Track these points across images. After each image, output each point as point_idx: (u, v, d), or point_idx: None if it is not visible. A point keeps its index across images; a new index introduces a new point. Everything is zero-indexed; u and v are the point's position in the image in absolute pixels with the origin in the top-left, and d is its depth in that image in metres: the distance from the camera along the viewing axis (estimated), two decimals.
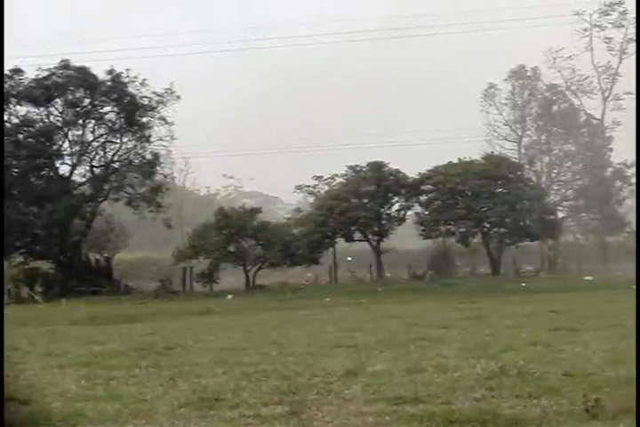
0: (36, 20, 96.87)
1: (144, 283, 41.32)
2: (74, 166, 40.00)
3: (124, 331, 16.15)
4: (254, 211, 40.87)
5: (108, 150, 40.52)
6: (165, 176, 44.41)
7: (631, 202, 51.96)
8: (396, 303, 23.75)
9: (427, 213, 41.09)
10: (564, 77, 54.52)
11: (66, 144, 39.91)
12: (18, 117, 39.06)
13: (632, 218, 46.84)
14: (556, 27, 67.86)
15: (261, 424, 6.50)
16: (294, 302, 27.41)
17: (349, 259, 45.04)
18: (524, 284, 33.37)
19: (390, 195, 41.75)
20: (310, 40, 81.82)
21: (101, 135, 40.38)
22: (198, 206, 67.72)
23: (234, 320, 18.83)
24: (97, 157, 40.40)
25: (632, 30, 50.53)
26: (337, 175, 43.18)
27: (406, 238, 47.87)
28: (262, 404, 7.18)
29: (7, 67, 36.31)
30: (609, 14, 51.93)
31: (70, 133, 39.77)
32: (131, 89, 39.70)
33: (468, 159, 42.13)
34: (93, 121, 40.04)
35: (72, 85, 38.83)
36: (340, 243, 43.08)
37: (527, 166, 51.63)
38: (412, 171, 42.14)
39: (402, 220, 42.64)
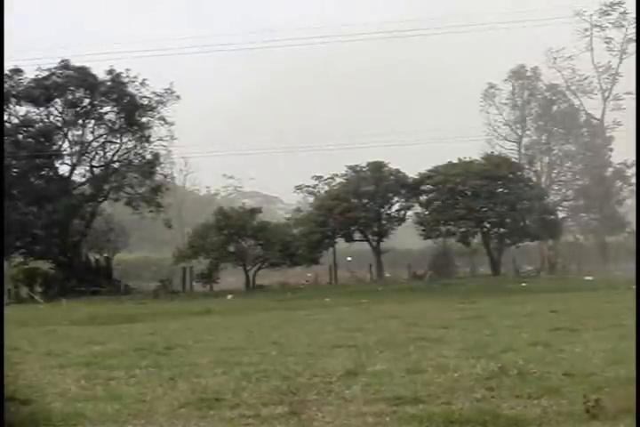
0: (35, 20, 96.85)
1: (144, 283, 41.32)
2: (74, 166, 40.03)
3: (124, 331, 16.15)
4: (254, 211, 40.87)
5: (107, 150, 40.57)
6: (165, 176, 44.44)
7: (631, 202, 51.99)
8: (395, 303, 23.75)
9: (427, 213, 41.08)
10: (564, 77, 54.60)
11: (66, 144, 40.00)
12: (18, 117, 39.10)
13: (632, 218, 46.85)
14: (556, 27, 67.84)
15: (261, 424, 6.50)
16: (294, 302, 27.41)
17: (349, 259, 45.04)
18: (524, 284, 33.36)
19: (390, 195, 41.75)
20: (310, 41, 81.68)
21: (101, 135, 40.40)
22: (198, 206, 67.71)
23: (234, 320, 18.83)
24: (97, 157, 40.45)
25: (632, 30, 50.59)
26: (337, 175, 43.22)
27: (406, 238, 47.87)
28: (262, 404, 7.18)
29: (7, 67, 36.36)
30: (609, 14, 51.97)
31: (70, 133, 39.82)
32: (130, 89, 39.74)
33: (468, 159, 42.15)
34: (93, 121, 40.06)
35: (72, 85, 38.85)
36: (340, 243, 43.08)
37: (527, 166, 51.61)
38: (412, 171, 42.20)
39: (402, 220, 42.64)
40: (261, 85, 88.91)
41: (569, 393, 7.14)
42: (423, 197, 41.74)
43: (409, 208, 42.57)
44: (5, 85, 37.49)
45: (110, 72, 39.47)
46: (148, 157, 40.51)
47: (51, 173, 39.67)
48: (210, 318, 20.09)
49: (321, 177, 43.85)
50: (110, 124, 40.24)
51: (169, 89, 40.08)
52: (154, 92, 39.86)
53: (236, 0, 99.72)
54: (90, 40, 75.72)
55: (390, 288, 33.83)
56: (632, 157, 46.86)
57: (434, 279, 38.49)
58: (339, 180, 43.05)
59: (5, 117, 38.08)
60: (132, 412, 7.01)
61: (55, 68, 38.85)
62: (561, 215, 50.80)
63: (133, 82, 39.65)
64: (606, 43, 52.76)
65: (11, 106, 38.62)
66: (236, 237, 38.92)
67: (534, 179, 50.25)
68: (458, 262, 45.89)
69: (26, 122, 39.00)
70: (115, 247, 45.21)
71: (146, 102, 39.95)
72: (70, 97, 39.24)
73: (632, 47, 50.90)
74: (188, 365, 9.83)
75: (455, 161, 41.91)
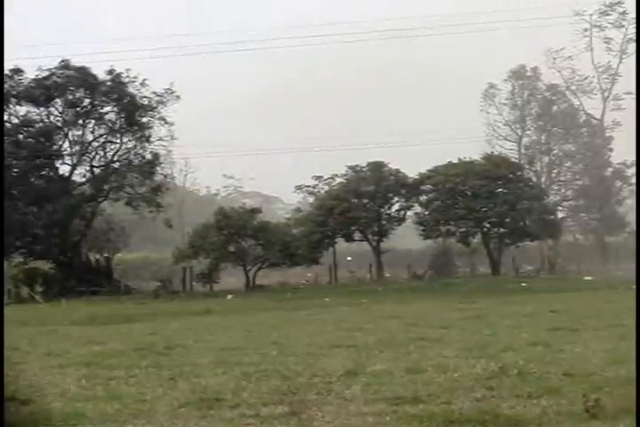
0: (35, 20, 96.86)
1: (144, 283, 41.32)
2: (74, 166, 40.03)
3: (124, 331, 16.15)
4: (254, 211, 40.88)
5: (108, 150, 40.55)
6: (165, 176, 44.43)
7: (631, 202, 52.01)
8: (395, 303, 23.76)
9: (427, 213, 41.09)
10: (563, 77, 54.63)
11: (66, 144, 39.98)
12: (18, 117, 39.08)
13: (632, 218, 46.86)
14: (555, 27, 67.79)
15: (261, 424, 6.50)
16: (294, 302, 27.41)
17: (349, 259, 45.06)
18: (524, 284, 33.37)
19: (390, 195, 41.76)
20: (310, 40, 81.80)
21: (101, 135, 40.39)
22: (198, 206, 67.67)
23: (234, 320, 18.83)
24: (97, 157, 40.43)
25: (632, 30, 50.63)
26: (337, 175, 43.22)
27: (406, 238, 47.89)
28: (262, 404, 7.18)
29: (7, 67, 36.36)
30: (609, 14, 52.01)
31: (70, 133, 39.80)
32: (131, 89, 39.73)
33: (468, 159, 42.17)
34: (93, 121, 40.05)
35: (72, 85, 38.84)
36: (340, 243, 43.09)
37: (527, 166, 51.64)
38: (412, 171, 42.21)
39: (402, 220, 42.65)
40: (261, 85, 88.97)
41: (569, 393, 7.14)
42: (423, 197, 41.75)
43: (409, 208, 42.59)
44: (5, 85, 37.48)
45: (110, 72, 39.47)
46: (148, 157, 40.52)
47: (51, 173, 39.66)
48: (210, 318, 20.09)
49: (321, 177, 43.89)
50: (110, 125, 40.24)
51: (169, 89, 40.12)
52: (154, 92, 39.88)
53: (238, 2, 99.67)
54: (90, 40, 75.64)
55: (390, 288, 33.83)
56: (632, 157, 46.92)
57: (434, 279, 38.50)
58: (339, 180, 43.10)
59: (5, 117, 38.08)
60: (132, 412, 7.01)
61: (55, 68, 38.84)
62: (561, 215, 50.88)
63: (133, 82, 39.67)
64: (606, 43, 52.86)
65: (11, 106, 38.62)
66: (237, 237, 38.92)
67: (534, 179, 50.27)
68: (458, 262, 45.90)
69: (26, 122, 38.99)
70: (115, 247, 45.19)
71: (146, 102, 39.96)
72: (70, 97, 39.23)
73: (632, 47, 50.98)
74: (188, 365, 9.83)
75: (455, 161, 41.94)
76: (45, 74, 38.79)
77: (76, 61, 39.23)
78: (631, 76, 46.04)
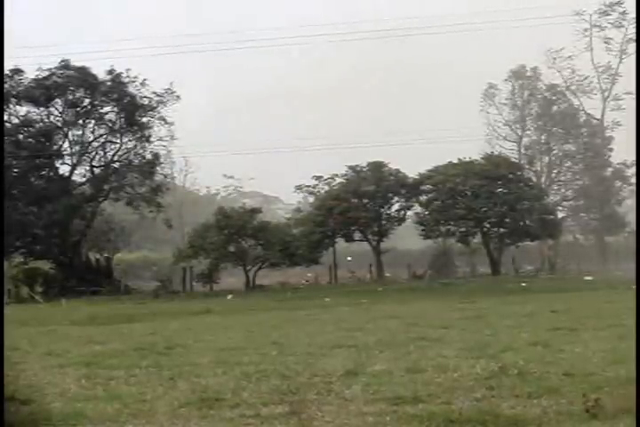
0: (36, 20, 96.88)
1: (144, 283, 41.34)
2: (74, 166, 40.05)
3: (124, 331, 16.15)
4: (254, 211, 40.88)
5: (108, 150, 40.58)
6: (165, 176, 44.48)
7: (631, 202, 52.03)
8: (395, 303, 23.75)
9: (427, 213, 41.08)
10: (563, 77, 54.65)
11: (66, 144, 40.02)
12: (18, 117, 39.11)
13: (632, 218, 46.86)
14: (556, 27, 67.80)
15: (261, 424, 6.50)
16: (294, 302, 27.40)
17: (349, 259, 45.05)
18: (523, 284, 33.36)
19: (390, 195, 41.76)
20: (310, 40, 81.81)
21: (101, 135, 40.42)
22: (198, 206, 67.62)
23: (234, 320, 18.83)
24: (97, 157, 40.47)
25: (632, 30, 50.64)
26: (337, 175, 43.20)
27: (406, 238, 47.88)
28: (262, 404, 7.18)
29: (7, 67, 36.36)
30: (609, 14, 52.01)
31: (70, 133, 39.83)
32: (131, 89, 39.76)
33: (468, 159, 42.17)
34: (93, 121, 40.08)
35: (72, 85, 38.86)
36: (340, 243, 43.08)
37: (527, 166, 51.66)
38: (412, 171, 42.20)
39: (402, 220, 42.65)
40: (261, 85, 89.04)
41: (569, 393, 7.14)
42: (423, 197, 41.74)
43: (409, 208, 42.59)
44: (5, 85, 37.49)
45: (110, 72, 39.51)
46: (148, 157, 40.54)
47: (51, 173, 39.68)
48: (210, 318, 20.09)
49: (321, 177, 43.86)
50: (110, 124, 40.26)
51: (169, 89, 40.15)
52: (154, 92, 39.90)
53: (238, 2, 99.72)
54: (90, 40, 75.63)
55: (390, 288, 33.84)
56: (632, 157, 46.93)
57: (434, 279, 38.50)
58: (339, 180, 43.08)
59: (5, 117, 38.10)
60: (133, 412, 7.01)
61: (55, 68, 38.87)
62: (561, 215, 50.84)
63: (133, 82, 39.69)
64: (606, 43, 52.87)
65: (11, 106, 38.64)
66: (237, 237, 38.92)
67: (534, 179, 50.28)
68: (458, 262, 45.90)
69: (26, 122, 39.02)
70: (115, 247, 45.22)
71: (146, 102, 39.98)
72: (70, 97, 39.25)
73: (632, 47, 50.99)
74: (188, 364, 9.83)
75: (455, 161, 41.94)
76: (45, 74, 38.82)
77: (77, 61, 39.34)
78: (631, 76, 46.07)
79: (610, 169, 54.65)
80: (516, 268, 43.24)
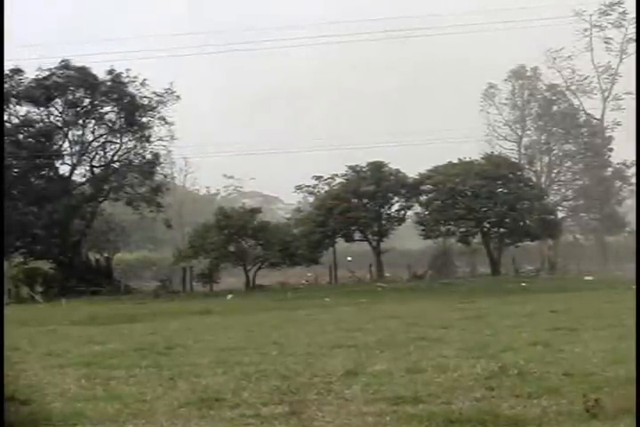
0: (36, 20, 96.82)
1: (144, 283, 41.36)
2: (74, 166, 40.05)
3: (124, 331, 16.15)
4: (254, 211, 40.87)
5: (108, 150, 40.57)
6: (165, 176, 44.48)
7: (631, 202, 51.99)
8: (395, 303, 23.76)
9: (427, 213, 41.06)
10: (563, 77, 54.60)
11: (66, 144, 40.01)
12: (18, 117, 39.10)
13: (632, 218, 46.84)
14: (556, 27, 67.77)
15: (261, 424, 6.50)
16: (294, 301, 27.40)
17: (349, 259, 45.01)
18: (523, 284, 33.36)
19: (390, 195, 41.73)
20: (310, 41, 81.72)
21: (101, 135, 40.41)
22: (198, 206, 67.61)
23: (234, 320, 18.83)
24: (97, 157, 40.47)
25: (632, 30, 50.59)
26: (337, 175, 43.16)
27: (406, 238, 47.85)
28: (262, 404, 7.18)
29: (7, 67, 36.34)
30: (609, 14, 51.97)
31: (70, 133, 39.83)
32: (131, 89, 39.75)
33: (468, 159, 42.15)
34: (93, 121, 40.08)
35: (72, 85, 38.85)
36: (340, 243, 43.06)
37: (527, 166, 51.63)
38: (412, 171, 42.19)
39: (402, 220, 42.61)
40: (261, 85, 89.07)
41: (569, 393, 7.15)
42: (423, 197, 41.71)
43: (409, 208, 42.55)
44: (5, 85, 37.48)
45: (110, 72, 39.50)
46: (148, 157, 40.53)
47: (51, 173, 39.68)
48: (210, 318, 20.09)
49: (321, 177, 43.80)
50: (110, 124, 40.26)
51: (169, 89, 40.15)
52: (154, 92, 39.89)
53: (238, 2, 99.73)
54: (90, 39, 75.61)
55: (390, 288, 33.83)
56: (632, 157, 46.91)
57: (434, 279, 38.49)
58: (339, 180, 43.03)
59: (5, 117, 38.10)
60: (133, 412, 7.01)
61: (55, 68, 38.86)
62: (561, 215, 50.80)
63: (133, 82, 39.69)
64: (606, 43, 52.81)
65: (11, 106, 38.63)
66: (237, 237, 38.91)
67: (534, 179, 50.23)
68: (458, 262, 45.88)
69: (26, 122, 39.01)
70: (115, 247, 45.23)
71: (146, 102, 39.98)
72: (70, 97, 39.25)
73: (632, 47, 50.94)
74: (188, 365, 9.83)
75: (455, 161, 41.92)
76: (45, 74, 38.81)
77: (76, 60, 39.33)
78: (631, 76, 46.02)
79: (610, 169, 54.62)
80: (515, 268, 43.21)
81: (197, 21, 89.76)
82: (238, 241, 39.19)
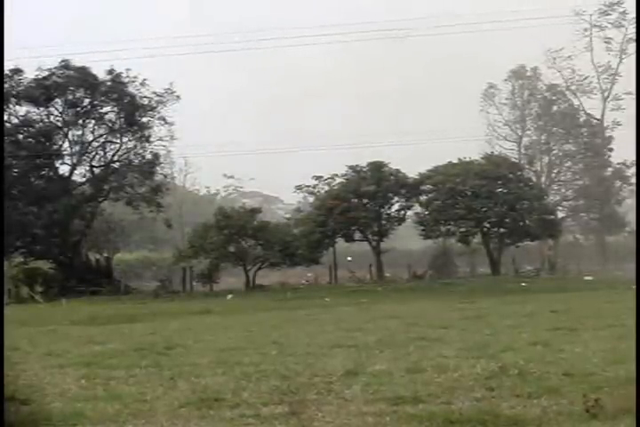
0: (35, 20, 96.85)
1: (144, 283, 41.35)
2: (74, 166, 40.04)
3: (124, 331, 16.15)
4: (254, 211, 40.87)
5: (108, 150, 40.56)
6: (165, 176, 44.47)
7: (631, 202, 51.97)
8: (395, 303, 23.76)
9: (427, 213, 41.04)
10: (563, 77, 54.62)
11: (66, 144, 40.00)
12: (18, 117, 39.09)
13: (632, 218, 46.84)
14: (556, 27, 67.78)
15: (261, 424, 6.51)
16: (294, 301, 27.41)
17: (349, 259, 44.99)
18: (523, 284, 33.36)
19: (390, 195, 41.70)
20: (309, 40, 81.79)
21: (101, 135, 40.40)
22: (198, 206, 67.62)
23: (234, 320, 18.83)
24: (97, 157, 40.46)
25: (632, 30, 50.61)
26: (337, 175, 43.13)
27: (406, 238, 47.85)
28: (262, 404, 7.18)
29: (7, 67, 36.35)
30: (609, 14, 51.99)
31: (70, 133, 39.82)
32: (131, 89, 39.74)
33: (468, 159, 42.14)
34: (93, 121, 40.07)
35: (72, 85, 38.84)
36: (340, 243, 43.05)
37: (527, 166, 51.63)
38: (412, 171, 42.18)
39: (402, 220, 42.58)
40: (261, 85, 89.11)
41: (569, 393, 7.15)
42: (423, 197, 41.69)
43: (409, 208, 42.52)
44: (5, 85, 37.48)
45: (110, 72, 39.49)
46: (148, 157, 40.52)
47: (51, 173, 39.67)
48: (210, 318, 20.09)
49: (321, 177, 43.78)
50: (110, 124, 40.25)
51: (169, 89, 40.14)
52: (154, 92, 39.89)
53: (233, 0, 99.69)
54: (90, 39, 75.64)
55: (390, 288, 33.83)
56: (632, 157, 46.90)
57: (434, 279, 38.48)
58: (339, 180, 42.99)
59: (5, 117, 38.09)
60: (132, 412, 7.02)
61: (55, 68, 38.85)
62: (561, 215, 50.79)
63: (133, 82, 39.68)
64: (606, 43, 52.84)
65: (11, 106, 38.62)
66: (237, 237, 38.90)
67: (534, 179, 50.24)
68: (458, 262, 45.85)
69: (26, 122, 39.01)
70: (115, 247, 45.21)
71: (146, 102, 39.97)
72: (70, 97, 39.24)
73: (632, 47, 50.96)
74: (188, 365, 9.83)
75: (455, 161, 41.90)
76: (45, 74, 38.79)
77: (77, 60, 39.34)
78: (631, 76, 46.04)
79: (610, 169, 54.62)
80: (516, 268, 43.19)
81: (198, 21, 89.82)
82: (238, 241, 39.18)
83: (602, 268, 45.31)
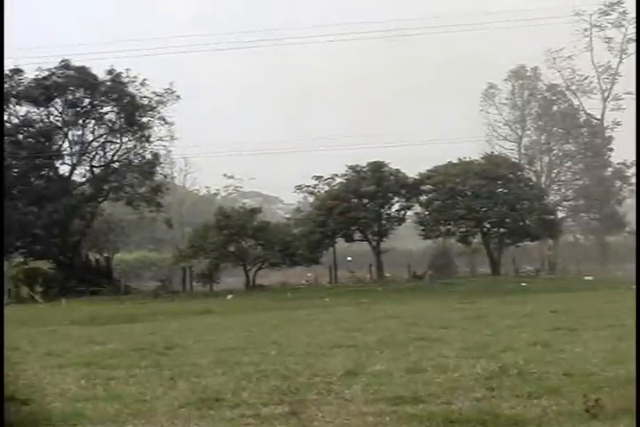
0: (35, 20, 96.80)
1: (144, 283, 41.36)
2: (74, 166, 40.07)
3: (124, 331, 16.16)
4: (254, 211, 40.88)
5: (108, 150, 40.60)
6: (165, 176, 44.51)
7: (631, 202, 51.96)
8: (395, 303, 23.76)
9: (427, 213, 41.03)
10: (563, 77, 54.58)
11: (66, 144, 40.06)
12: (18, 117, 39.12)
13: (632, 218, 46.82)
14: (556, 27, 67.75)
15: (261, 424, 6.50)
16: (294, 301, 27.42)
17: (349, 259, 45.00)
18: (523, 284, 33.37)
19: (390, 195, 41.70)
20: (309, 40, 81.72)
21: (101, 135, 40.43)
22: (198, 206, 67.58)
23: (234, 320, 18.83)
24: (97, 157, 40.50)
25: (632, 30, 50.56)
26: (337, 175, 43.13)
27: (406, 238, 47.86)
28: (262, 404, 7.17)
29: (7, 67, 36.36)
30: (609, 14, 51.94)
31: (70, 133, 39.87)
32: (131, 89, 39.77)
33: (468, 159, 42.13)
34: (93, 121, 40.10)
35: (72, 85, 38.87)
36: (340, 243, 43.05)
37: (527, 166, 51.60)
38: (412, 171, 42.17)
39: (402, 220, 42.58)
40: (261, 85, 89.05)
41: (569, 393, 7.14)
42: (423, 197, 41.69)
43: (409, 208, 42.51)
44: (5, 85, 37.50)
45: (110, 72, 39.52)
46: (148, 157, 40.55)
47: (51, 173, 39.69)
48: (210, 318, 20.09)
49: (321, 177, 43.77)
50: (110, 124, 40.27)
51: (169, 89, 40.16)
52: (154, 92, 39.91)
53: (240, 2, 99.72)
54: (90, 39, 75.60)
55: (390, 288, 33.83)
56: (632, 157, 46.90)
57: (434, 279, 38.46)
58: (339, 180, 42.98)
59: (5, 117, 38.12)
60: (132, 412, 7.01)
61: (55, 68, 38.89)
62: (561, 215, 50.77)
63: (133, 82, 39.70)
64: (606, 43, 52.79)
65: (11, 106, 38.65)
66: (237, 237, 38.91)
67: (534, 179, 50.20)
68: (458, 262, 45.82)
69: (26, 122, 39.03)
70: (115, 247, 45.20)
71: (146, 102, 39.98)
72: (70, 97, 39.27)
73: (632, 47, 50.90)
74: (187, 365, 9.83)
75: (455, 161, 41.90)
76: (45, 74, 38.84)
77: (77, 60, 39.34)
78: (631, 76, 45.99)
79: (610, 169, 54.61)
80: (516, 268, 43.19)
81: (198, 21, 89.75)
82: (238, 241, 39.19)
83: (602, 268, 45.29)
